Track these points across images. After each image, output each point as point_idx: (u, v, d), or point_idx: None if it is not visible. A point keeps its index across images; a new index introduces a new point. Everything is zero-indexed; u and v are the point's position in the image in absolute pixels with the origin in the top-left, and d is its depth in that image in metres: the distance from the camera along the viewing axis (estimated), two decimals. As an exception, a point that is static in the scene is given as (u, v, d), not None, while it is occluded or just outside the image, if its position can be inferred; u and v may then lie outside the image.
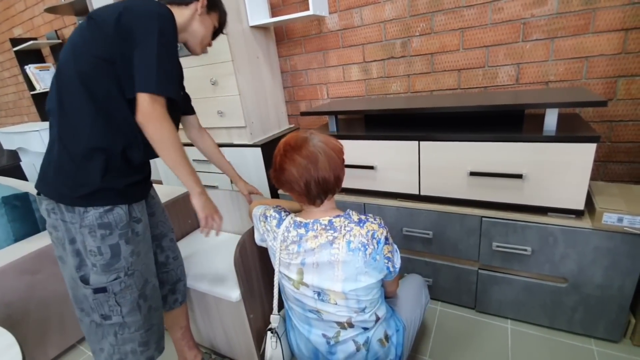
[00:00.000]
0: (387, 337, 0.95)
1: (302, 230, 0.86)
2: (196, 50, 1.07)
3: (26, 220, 1.51)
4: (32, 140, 2.41)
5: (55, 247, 0.93)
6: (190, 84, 1.72)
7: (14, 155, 3.17)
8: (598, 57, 1.31)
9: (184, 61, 1.68)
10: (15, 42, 2.95)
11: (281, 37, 1.92)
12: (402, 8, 1.57)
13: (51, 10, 2.43)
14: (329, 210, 0.90)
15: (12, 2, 3.20)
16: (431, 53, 1.59)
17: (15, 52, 2.95)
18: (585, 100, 1.04)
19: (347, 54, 1.79)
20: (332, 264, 0.83)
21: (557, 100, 1.10)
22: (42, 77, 2.90)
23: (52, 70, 2.98)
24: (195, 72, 1.69)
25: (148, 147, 0.85)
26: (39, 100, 3.08)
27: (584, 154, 1.05)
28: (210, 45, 1.11)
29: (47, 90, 2.92)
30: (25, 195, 1.51)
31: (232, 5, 1.54)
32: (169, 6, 0.90)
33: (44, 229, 1.57)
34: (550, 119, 1.12)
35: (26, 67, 2.92)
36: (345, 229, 0.83)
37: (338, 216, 0.86)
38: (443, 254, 1.41)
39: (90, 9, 2.06)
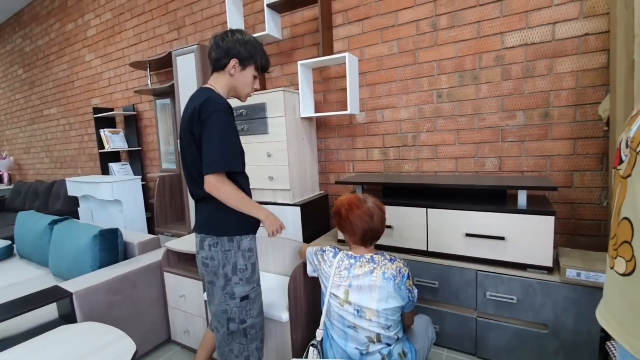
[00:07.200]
0: (404, 353, 1.25)
1: (352, 261, 1.24)
2: (242, 99, 1.26)
3: (111, 251, 1.88)
4: (103, 190, 2.87)
5: (208, 274, 1.19)
6: (251, 156, 2.25)
7: (70, 201, 3.64)
8: (557, 156, 1.81)
9: (248, 139, 2.23)
10: (95, 110, 3.67)
11: (320, 124, 2.52)
12: (413, 112, 2.16)
13: (138, 91, 3.16)
14: (371, 250, 1.29)
15: (97, 79, 4.04)
16: (435, 145, 2.12)
17: (95, 117, 3.64)
18: (543, 186, 1.50)
19: (370, 140, 2.34)
20: (371, 287, 1.19)
21: (525, 185, 1.55)
22: (113, 139, 3.52)
23: (122, 134, 3.62)
24: (256, 147, 2.22)
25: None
26: (105, 157, 3.67)
27: (546, 223, 1.46)
28: (253, 91, 1.26)
29: (115, 149, 3.52)
30: (116, 230, 1.91)
31: (290, 104, 2.15)
32: (213, 74, 1.16)
33: (123, 259, 1.94)
34: (522, 198, 1.56)
35: (101, 130, 3.56)
36: (381, 263, 1.22)
37: (377, 254, 1.25)
38: (447, 302, 1.72)
39: (176, 95, 2.73)
